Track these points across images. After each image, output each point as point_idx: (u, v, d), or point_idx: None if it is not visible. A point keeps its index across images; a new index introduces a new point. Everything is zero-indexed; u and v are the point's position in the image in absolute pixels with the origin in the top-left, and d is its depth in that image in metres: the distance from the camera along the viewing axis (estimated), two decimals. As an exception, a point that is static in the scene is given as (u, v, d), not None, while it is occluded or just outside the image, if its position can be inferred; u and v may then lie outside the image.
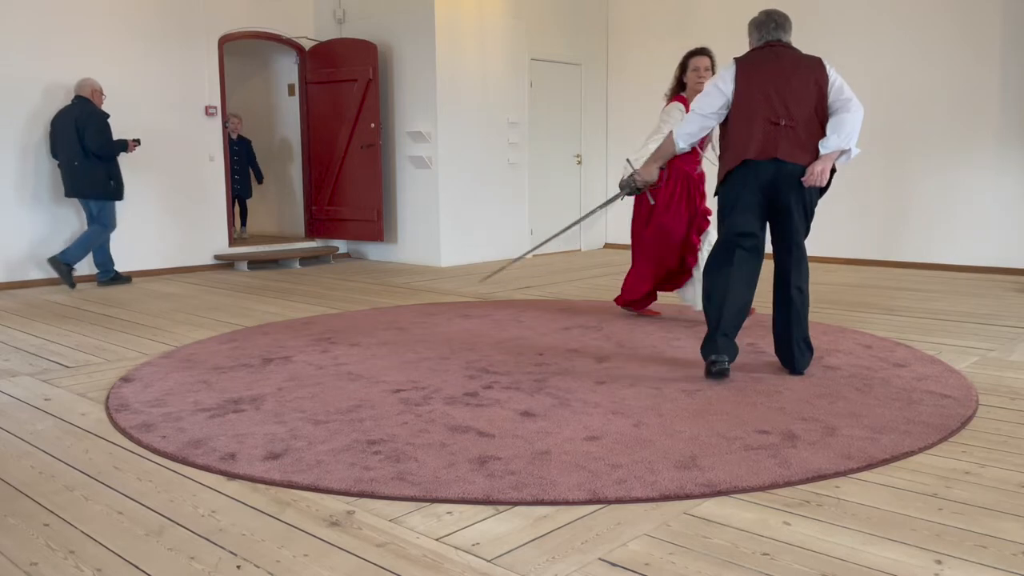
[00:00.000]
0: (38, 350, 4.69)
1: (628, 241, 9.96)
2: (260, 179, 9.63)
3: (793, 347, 3.89)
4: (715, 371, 3.81)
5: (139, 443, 3.09)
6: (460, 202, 8.62)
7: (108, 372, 4.17)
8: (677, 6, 9.37)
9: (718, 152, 4.03)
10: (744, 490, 2.57)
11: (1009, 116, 7.44)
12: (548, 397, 3.59)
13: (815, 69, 3.77)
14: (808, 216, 3.85)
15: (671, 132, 4.10)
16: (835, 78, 3.76)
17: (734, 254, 3.81)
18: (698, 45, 5.24)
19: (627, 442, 2.99)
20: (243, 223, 9.57)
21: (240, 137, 9.28)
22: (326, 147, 9.07)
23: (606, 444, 2.98)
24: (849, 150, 3.72)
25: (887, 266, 8.11)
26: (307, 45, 9.08)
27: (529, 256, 4.80)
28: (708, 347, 3.84)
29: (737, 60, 3.87)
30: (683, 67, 5.11)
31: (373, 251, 9.21)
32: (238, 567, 2.12)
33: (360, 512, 2.45)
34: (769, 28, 3.90)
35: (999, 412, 3.36)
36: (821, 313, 5.55)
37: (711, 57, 5.04)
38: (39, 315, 5.82)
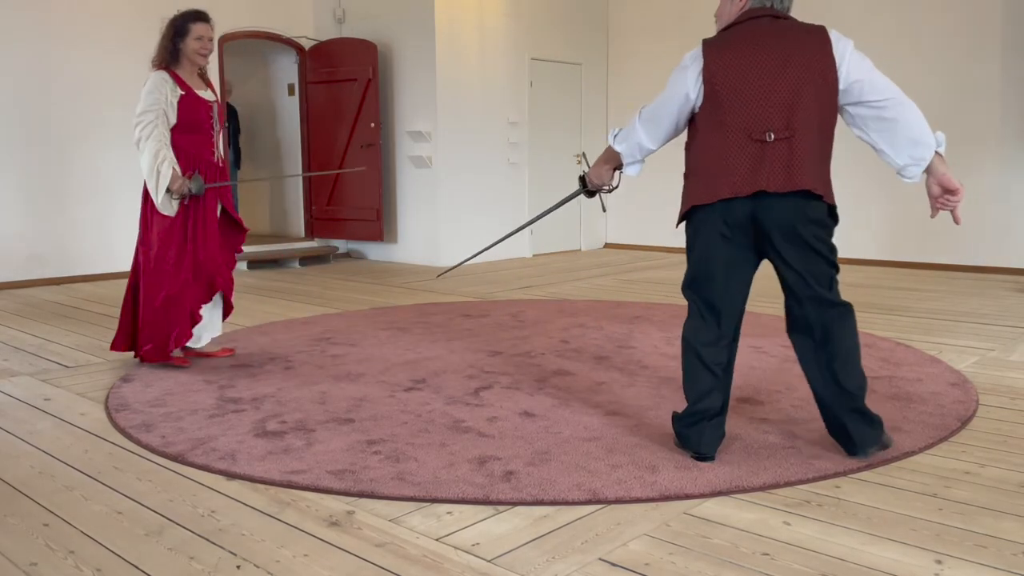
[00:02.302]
0: (38, 350, 4.69)
1: (630, 241, 10.03)
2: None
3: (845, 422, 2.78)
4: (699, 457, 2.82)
5: (139, 443, 3.09)
6: (460, 202, 8.62)
7: (108, 372, 4.17)
8: (677, 6, 9.37)
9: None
10: (744, 490, 2.57)
11: (1009, 116, 7.44)
12: (548, 397, 3.59)
13: (817, 46, 2.65)
14: (831, 254, 2.76)
15: (616, 132, 3.06)
16: (855, 62, 2.67)
17: (699, 330, 2.82)
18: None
19: (627, 442, 2.99)
20: None
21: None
22: (326, 147, 9.07)
23: (606, 444, 2.97)
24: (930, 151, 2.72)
25: (887, 266, 8.11)
26: (307, 45, 9.08)
27: (477, 257, 4.02)
28: (684, 432, 2.84)
29: (710, 39, 2.78)
30: None
31: (373, 251, 9.21)
32: (238, 567, 2.12)
33: (360, 512, 2.45)
34: None
35: (999, 412, 3.36)
36: (821, 313, 5.54)
37: None
38: (39, 315, 5.82)
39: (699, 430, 2.79)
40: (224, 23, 8.31)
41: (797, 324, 2.80)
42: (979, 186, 7.65)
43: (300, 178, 9.40)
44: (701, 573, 2.06)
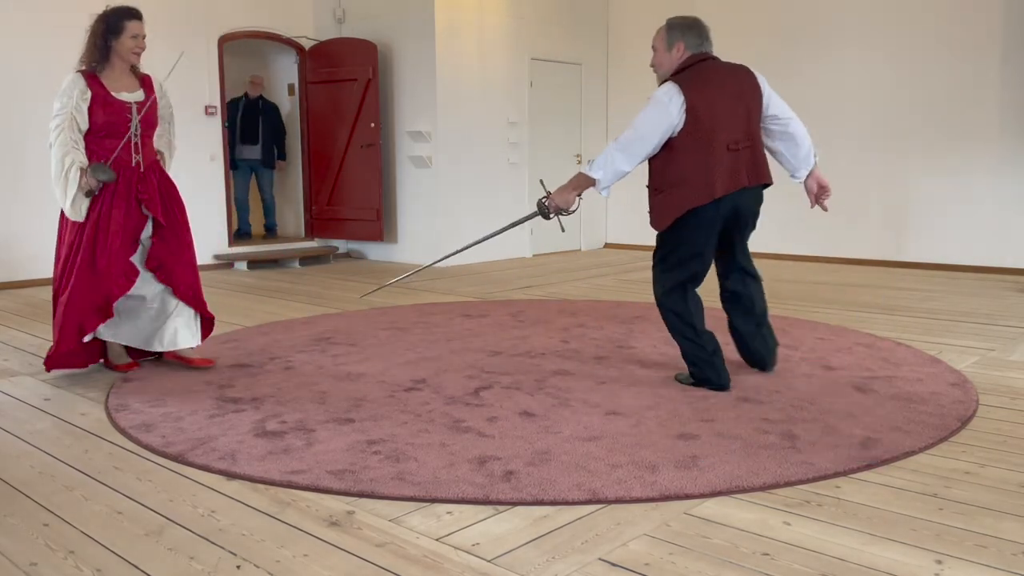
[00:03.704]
0: (38, 350, 4.69)
1: (630, 241, 10.03)
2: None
3: (760, 344, 3.85)
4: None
5: (139, 443, 3.09)
6: (460, 202, 8.61)
7: (108, 372, 4.16)
8: (677, 6, 9.36)
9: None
10: (744, 490, 2.57)
11: (1009, 115, 7.43)
12: (548, 397, 3.59)
13: (750, 78, 3.56)
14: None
15: (591, 163, 3.60)
16: (768, 89, 3.58)
17: (691, 298, 3.65)
18: None
19: (627, 442, 2.99)
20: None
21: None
22: (326, 147, 9.07)
23: (606, 444, 2.98)
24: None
25: (887, 266, 8.11)
26: (307, 45, 9.08)
27: (430, 266, 4.67)
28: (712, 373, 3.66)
29: (679, 79, 3.45)
30: None
31: (373, 251, 9.21)
32: (238, 567, 2.12)
33: (360, 512, 2.45)
34: (704, 36, 3.55)
35: (999, 412, 3.36)
36: (821, 313, 5.55)
37: None
38: (39, 315, 5.81)
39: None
40: (224, 23, 8.32)
41: (732, 297, 3.77)
42: (978, 185, 7.66)
43: (300, 177, 9.40)
44: (701, 573, 2.06)
